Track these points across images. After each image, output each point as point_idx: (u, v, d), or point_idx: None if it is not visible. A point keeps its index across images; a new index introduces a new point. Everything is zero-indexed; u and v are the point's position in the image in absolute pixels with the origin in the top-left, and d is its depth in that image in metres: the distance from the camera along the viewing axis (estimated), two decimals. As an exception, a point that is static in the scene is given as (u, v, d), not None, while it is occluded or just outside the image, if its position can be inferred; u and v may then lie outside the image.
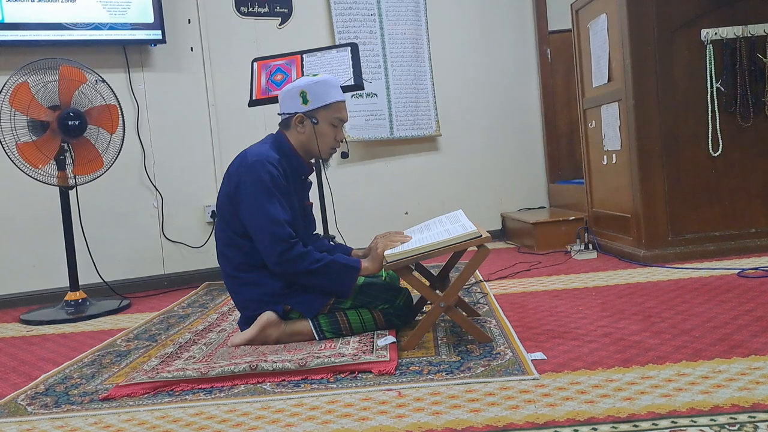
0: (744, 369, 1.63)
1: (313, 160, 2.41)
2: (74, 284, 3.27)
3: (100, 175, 3.26)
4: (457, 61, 4.60)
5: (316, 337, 2.17)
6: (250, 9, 4.12)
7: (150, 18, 3.73)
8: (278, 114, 2.36)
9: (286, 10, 4.20)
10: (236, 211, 2.19)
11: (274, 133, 2.37)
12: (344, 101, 2.34)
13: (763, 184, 3.27)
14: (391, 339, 2.08)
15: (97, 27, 3.63)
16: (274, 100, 3.09)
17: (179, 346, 2.30)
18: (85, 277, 3.44)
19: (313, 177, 2.70)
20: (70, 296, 3.25)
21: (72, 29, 3.58)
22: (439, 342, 2.11)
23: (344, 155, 2.60)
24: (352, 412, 1.56)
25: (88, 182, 3.25)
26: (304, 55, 3.34)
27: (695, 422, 1.33)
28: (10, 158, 3.04)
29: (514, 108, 4.73)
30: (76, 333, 2.85)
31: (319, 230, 3.10)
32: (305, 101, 2.26)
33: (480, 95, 4.66)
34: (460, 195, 4.53)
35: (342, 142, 2.38)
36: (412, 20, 4.45)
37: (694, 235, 3.26)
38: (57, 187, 3.21)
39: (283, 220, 2.12)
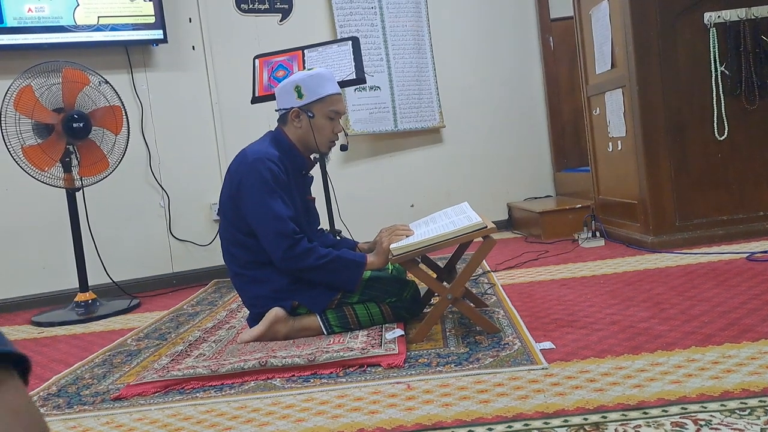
0: (754, 353, 1.62)
1: (313, 156, 2.41)
2: (84, 285, 3.29)
3: (106, 176, 3.27)
4: (458, 52, 4.59)
5: (325, 332, 2.18)
6: (251, 6, 4.11)
7: (151, 18, 3.73)
8: (275, 110, 2.36)
9: (286, 6, 4.19)
10: (239, 210, 2.19)
11: (273, 129, 2.38)
12: (340, 94, 2.34)
13: (770, 167, 3.26)
14: (399, 332, 2.08)
15: (98, 28, 3.63)
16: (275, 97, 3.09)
17: (189, 344, 2.31)
18: (95, 277, 3.46)
19: (316, 172, 2.70)
20: (80, 297, 3.27)
21: (74, 31, 3.58)
22: (448, 334, 2.11)
23: (343, 148, 2.60)
24: (362, 406, 1.57)
25: (94, 183, 3.26)
26: (305, 51, 3.33)
27: (705, 408, 1.33)
28: (16, 162, 3.05)
29: (517, 97, 4.71)
30: (86, 333, 2.86)
31: (325, 225, 3.11)
32: (300, 95, 2.27)
33: (483, 85, 4.64)
34: (465, 186, 4.53)
35: (340, 134, 2.38)
36: (413, 12, 4.43)
37: (702, 220, 3.25)
38: (64, 190, 3.22)
39: (287, 216, 2.13)
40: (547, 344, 1.88)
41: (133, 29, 3.71)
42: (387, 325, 2.20)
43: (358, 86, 4.05)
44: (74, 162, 3.19)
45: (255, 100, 3.31)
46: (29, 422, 0.45)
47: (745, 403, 1.33)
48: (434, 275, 2.37)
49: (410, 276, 2.31)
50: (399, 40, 4.39)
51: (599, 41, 3.61)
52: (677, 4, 3.18)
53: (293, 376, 1.86)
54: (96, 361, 2.29)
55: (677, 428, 1.25)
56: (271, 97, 3.22)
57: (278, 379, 1.84)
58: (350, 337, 2.10)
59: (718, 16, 3.16)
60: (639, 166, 3.29)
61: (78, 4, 3.58)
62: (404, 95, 4.39)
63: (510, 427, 1.36)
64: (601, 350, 1.79)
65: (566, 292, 2.55)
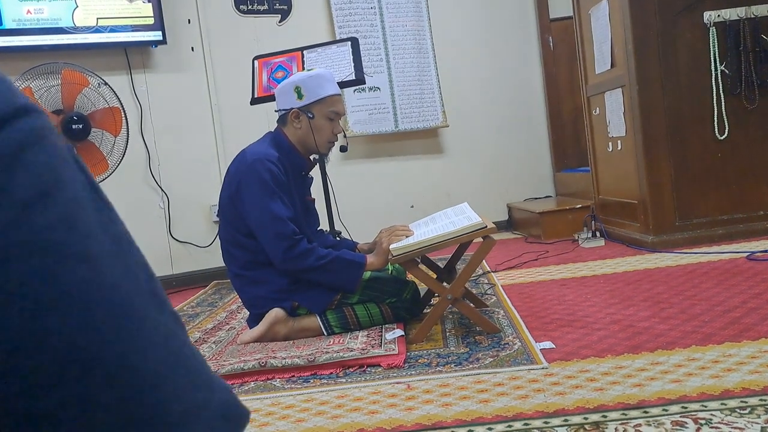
0: (754, 352, 1.62)
1: (313, 157, 2.41)
2: (83, 287, 3.28)
3: (106, 178, 3.27)
4: (457, 53, 4.58)
5: (325, 333, 2.18)
6: (250, 7, 4.11)
7: (150, 19, 3.73)
8: (275, 111, 2.36)
9: (285, 7, 4.19)
10: (239, 212, 2.19)
11: (272, 130, 2.38)
12: (340, 95, 2.34)
13: (770, 166, 3.25)
14: (399, 332, 2.08)
15: (97, 30, 3.63)
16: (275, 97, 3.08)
17: (189, 346, 2.30)
18: (94, 279, 3.45)
19: (316, 173, 2.70)
20: (80, 299, 3.25)
21: (73, 33, 3.58)
22: (448, 334, 2.11)
23: (343, 149, 2.60)
24: (362, 406, 1.56)
25: (94, 185, 3.25)
26: (304, 51, 3.33)
27: (705, 407, 1.33)
28: (15, 163, 3.04)
29: (518, 97, 4.71)
30: (86, 335, 2.85)
31: (325, 226, 3.10)
32: (300, 96, 2.26)
33: (483, 85, 4.64)
34: (465, 186, 4.52)
35: (339, 135, 2.38)
36: (413, 12, 4.43)
37: (702, 219, 3.24)
38: (63, 191, 3.22)
39: (286, 217, 2.13)
40: (547, 344, 1.87)
41: (132, 30, 3.71)
42: (387, 325, 2.20)
43: (357, 87, 4.05)
44: (74, 163, 3.18)
45: (254, 101, 3.31)
46: None
47: (746, 402, 1.33)
48: (434, 275, 2.36)
49: (410, 276, 2.31)
50: (399, 41, 4.38)
51: (599, 41, 3.60)
52: (677, 3, 3.18)
53: (293, 376, 1.85)
54: (96, 363, 2.28)
55: (677, 427, 1.25)
56: (271, 98, 3.22)
57: (278, 380, 1.84)
58: (350, 338, 2.09)
59: (718, 15, 3.16)
60: (639, 166, 3.28)
61: (77, 6, 3.58)
62: (405, 95, 4.38)
63: (510, 426, 1.35)
64: (602, 349, 1.78)
65: (566, 292, 2.54)
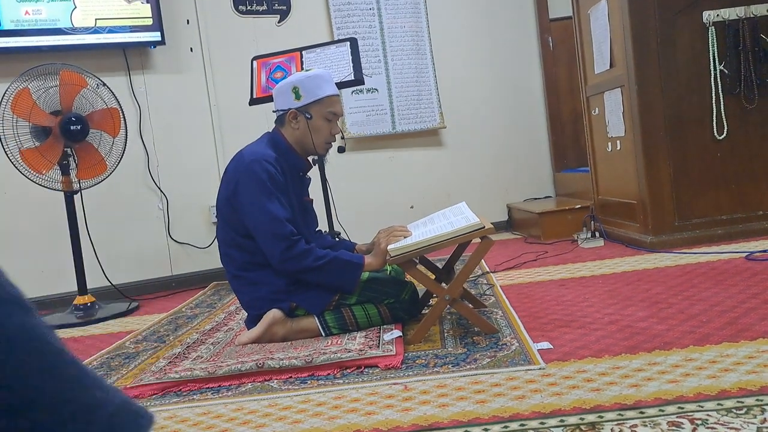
0: (752, 352, 1.62)
1: (311, 158, 2.40)
2: (82, 288, 3.29)
3: (104, 179, 3.27)
4: (457, 53, 4.58)
5: (322, 334, 2.17)
6: (249, 7, 4.11)
7: (149, 20, 3.73)
8: (273, 111, 2.36)
9: (284, 7, 4.19)
10: (236, 212, 2.19)
11: (270, 131, 2.37)
12: (338, 95, 2.34)
13: (769, 166, 3.25)
14: (397, 333, 2.07)
15: (96, 31, 3.63)
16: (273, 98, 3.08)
17: (187, 347, 2.31)
18: (93, 280, 3.46)
19: (315, 173, 2.70)
20: (79, 300, 3.26)
21: (71, 33, 3.58)
22: (446, 334, 2.10)
23: (341, 150, 2.60)
24: (359, 407, 1.56)
25: (93, 186, 3.26)
26: (303, 52, 3.33)
27: (702, 407, 1.32)
28: (14, 165, 3.05)
29: (517, 97, 4.71)
30: (85, 336, 2.86)
31: (324, 227, 3.10)
32: (298, 96, 2.26)
33: (483, 86, 4.64)
34: (465, 187, 4.52)
35: (338, 136, 2.37)
36: (412, 13, 4.43)
37: (701, 219, 3.24)
38: (62, 192, 3.22)
39: (284, 217, 2.12)
40: (545, 344, 1.87)
41: (131, 31, 3.71)
42: (385, 326, 2.20)
43: (355, 89, 4.05)
44: (72, 165, 3.19)
45: (253, 101, 3.31)
46: None
47: (742, 402, 1.32)
48: (432, 276, 2.36)
49: (408, 277, 2.30)
50: (397, 42, 4.38)
51: (598, 41, 3.60)
52: (676, 2, 3.18)
53: (290, 377, 1.85)
54: (94, 364, 2.28)
55: (674, 428, 1.25)
56: (270, 99, 3.21)
57: (275, 381, 1.83)
58: (348, 339, 2.09)
59: (717, 15, 3.16)
60: (638, 166, 3.28)
61: (75, 7, 3.58)
62: (403, 97, 4.38)
63: (506, 427, 1.35)
64: (599, 350, 1.78)
65: (565, 293, 2.54)
